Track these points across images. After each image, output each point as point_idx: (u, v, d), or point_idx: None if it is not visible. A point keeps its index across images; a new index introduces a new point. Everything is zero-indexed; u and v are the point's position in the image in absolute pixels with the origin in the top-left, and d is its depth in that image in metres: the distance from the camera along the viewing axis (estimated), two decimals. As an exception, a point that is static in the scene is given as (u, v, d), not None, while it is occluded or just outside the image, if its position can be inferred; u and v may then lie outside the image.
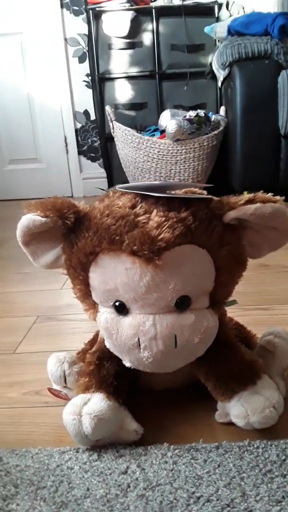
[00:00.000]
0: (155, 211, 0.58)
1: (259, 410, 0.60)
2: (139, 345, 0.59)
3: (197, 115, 2.02)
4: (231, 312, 0.74)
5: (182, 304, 0.59)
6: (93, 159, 2.70)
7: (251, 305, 1.06)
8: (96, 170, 2.71)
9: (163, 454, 0.61)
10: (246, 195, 0.59)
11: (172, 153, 2.07)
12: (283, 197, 0.59)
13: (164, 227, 0.56)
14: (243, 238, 0.62)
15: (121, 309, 0.60)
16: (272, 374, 0.68)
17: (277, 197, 0.59)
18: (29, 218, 0.60)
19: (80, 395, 0.64)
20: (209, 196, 0.62)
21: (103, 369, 0.66)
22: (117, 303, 0.60)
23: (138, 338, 0.59)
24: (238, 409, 0.62)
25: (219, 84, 2.17)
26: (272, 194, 0.59)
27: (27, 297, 1.25)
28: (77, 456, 0.62)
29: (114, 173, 2.57)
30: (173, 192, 0.63)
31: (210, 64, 2.19)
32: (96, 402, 0.61)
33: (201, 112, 2.05)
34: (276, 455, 0.59)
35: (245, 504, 0.52)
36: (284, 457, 0.59)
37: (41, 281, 1.33)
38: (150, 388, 0.72)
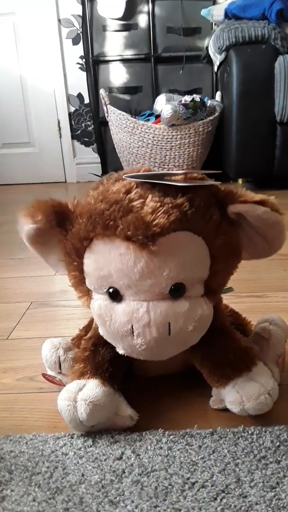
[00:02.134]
0: (150, 196, 0.57)
1: (254, 397, 0.61)
2: (133, 332, 0.58)
3: (192, 100, 2.00)
4: (225, 299, 0.74)
5: (177, 291, 0.59)
6: (86, 144, 2.67)
7: (245, 292, 1.06)
8: (89, 155, 2.68)
9: (158, 440, 0.61)
10: (258, 195, 0.58)
11: (167, 138, 2.05)
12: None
13: (159, 213, 0.56)
14: (238, 230, 0.62)
15: (115, 295, 0.60)
16: (266, 361, 0.69)
17: (282, 211, 0.59)
18: (25, 228, 0.61)
19: (75, 381, 0.63)
20: (213, 183, 0.61)
21: (98, 355, 0.65)
22: (110, 290, 0.60)
23: (132, 325, 0.58)
24: (233, 396, 0.62)
25: (215, 68, 2.15)
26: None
27: (20, 282, 1.24)
28: (72, 442, 0.62)
29: (108, 158, 2.54)
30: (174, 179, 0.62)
31: (207, 48, 2.17)
32: (91, 388, 0.61)
33: (197, 97, 2.03)
34: (271, 441, 0.59)
35: (240, 490, 0.53)
36: (278, 443, 0.59)
37: (35, 267, 1.32)
38: (145, 375, 0.72)
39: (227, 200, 0.60)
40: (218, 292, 0.66)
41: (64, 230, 0.62)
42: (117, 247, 0.57)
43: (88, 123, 2.62)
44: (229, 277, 0.65)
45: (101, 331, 0.63)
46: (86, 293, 0.64)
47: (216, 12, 2.13)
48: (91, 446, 0.61)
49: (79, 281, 0.63)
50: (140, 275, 0.57)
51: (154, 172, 0.63)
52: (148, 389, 0.72)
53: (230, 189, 0.61)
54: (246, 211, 0.58)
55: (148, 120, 2.20)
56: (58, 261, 0.66)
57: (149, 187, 0.59)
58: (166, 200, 0.57)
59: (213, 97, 2.28)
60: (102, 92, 2.19)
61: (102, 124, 2.44)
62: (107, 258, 0.58)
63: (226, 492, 0.53)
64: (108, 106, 2.15)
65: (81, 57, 2.50)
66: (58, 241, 0.64)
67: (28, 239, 0.63)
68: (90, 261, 0.60)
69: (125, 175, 0.61)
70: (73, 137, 2.66)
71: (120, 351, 0.62)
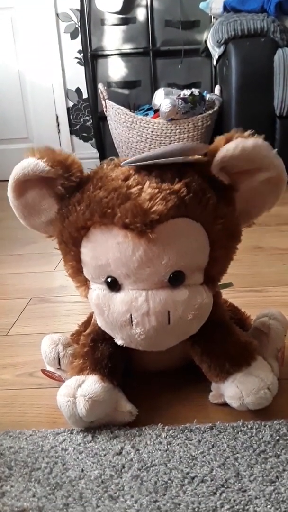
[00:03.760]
0: (147, 182, 0.56)
1: (254, 391, 0.61)
2: (131, 322, 0.58)
3: (191, 94, 1.99)
4: (225, 294, 0.74)
5: (176, 279, 0.58)
6: (85, 139, 2.66)
7: (244, 287, 1.06)
8: (88, 150, 2.66)
9: (158, 435, 0.61)
10: (223, 137, 0.57)
11: (166, 133, 2.04)
12: (263, 135, 0.57)
13: (157, 199, 0.55)
14: (239, 202, 0.61)
15: (113, 285, 0.59)
16: (266, 356, 0.68)
17: (256, 135, 0.57)
18: (31, 161, 0.57)
19: (75, 377, 0.63)
20: (204, 158, 0.59)
21: (97, 351, 0.65)
22: (109, 279, 0.59)
23: (131, 314, 0.58)
24: (233, 390, 0.62)
25: (214, 62, 2.13)
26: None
27: (19, 279, 1.24)
28: (72, 438, 0.62)
29: (107, 153, 2.53)
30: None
31: (205, 41, 2.15)
32: (91, 384, 0.61)
33: (196, 91, 2.02)
34: (270, 436, 0.60)
35: (239, 484, 0.53)
36: (277, 437, 0.59)
37: (34, 263, 1.32)
38: (144, 370, 0.72)
39: (206, 167, 0.58)
40: (217, 280, 0.65)
41: (67, 210, 0.59)
42: (114, 235, 0.57)
43: (87, 118, 2.60)
44: (229, 263, 0.64)
45: (99, 322, 0.63)
46: (84, 283, 0.63)
47: (215, 5, 2.11)
48: (90, 442, 0.61)
49: (77, 270, 0.63)
50: (139, 263, 0.56)
51: (149, 153, 0.60)
52: (148, 384, 0.72)
53: (207, 152, 0.59)
54: (222, 157, 0.56)
55: (147, 114, 2.18)
56: (41, 224, 0.63)
57: (146, 173, 0.58)
58: (164, 186, 0.56)
59: (212, 91, 2.26)
60: (100, 86, 2.18)
61: (100, 119, 2.43)
62: (104, 247, 0.58)
63: (225, 486, 0.53)
64: (106, 100, 2.13)
65: (79, 52, 2.48)
66: (49, 203, 0.62)
67: (23, 177, 0.58)
68: (87, 250, 0.60)
69: (122, 163, 0.60)
70: (71, 132, 2.64)
71: (119, 341, 0.61)
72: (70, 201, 0.59)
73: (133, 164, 0.59)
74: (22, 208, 0.63)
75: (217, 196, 0.58)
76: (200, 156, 0.60)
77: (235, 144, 0.56)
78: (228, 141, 0.56)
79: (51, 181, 0.59)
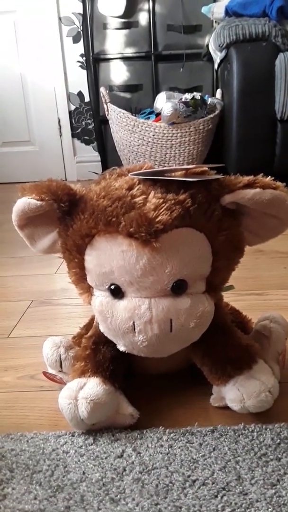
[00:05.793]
0: (152, 192, 0.57)
1: (255, 394, 0.61)
2: (134, 329, 0.58)
3: (193, 98, 1.99)
4: (226, 297, 0.74)
5: (179, 288, 0.59)
6: (87, 142, 2.67)
7: (245, 290, 1.06)
8: (90, 154, 2.67)
9: (159, 438, 0.61)
10: (246, 178, 0.58)
11: (167, 136, 2.05)
12: (284, 184, 0.58)
13: (162, 209, 0.56)
14: (241, 224, 0.61)
15: (117, 292, 0.60)
16: (267, 359, 0.69)
17: (278, 183, 0.58)
18: (24, 202, 0.59)
19: (76, 379, 0.64)
20: (217, 177, 0.60)
21: (99, 353, 0.65)
22: (112, 287, 0.60)
23: (133, 322, 0.58)
24: (234, 393, 0.62)
25: (216, 66, 2.14)
26: (273, 178, 0.58)
27: (21, 281, 1.24)
28: (73, 440, 0.62)
29: (109, 156, 2.54)
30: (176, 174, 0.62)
31: (207, 45, 2.16)
32: (92, 387, 0.61)
33: (197, 95, 2.03)
34: (271, 439, 0.60)
35: (240, 487, 0.53)
36: (278, 440, 0.59)
37: (35, 266, 1.32)
38: (146, 373, 0.72)
39: (218, 193, 0.59)
40: (219, 289, 0.65)
41: (71, 219, 0.60)
42: (119, 243, 0.57)
43: (89, 121, 2.61)
44: (231, 273, 0.65)
45: (102, 328, 0.63)
46: (87, 290, 0.64)
47: (217, 10, 2.12)
48: (92, 444, 0.61)
49: (80, 277, 0.63)
50: (142, 272, 0.57)
51: (157, 169, 0.63)
52: (149, 387, 0.72)
53: (219, 180, 0.60)
54: (237, 199, 0.58)
55: (149, 118, 2.19)
56: (49, 247, 0.65)
57: (151, 184, 0.59)
58: (169, 197, 0.57)
59: (213, 95, 2.27)
60: (102, 90, 2.19)
61: (102, 123, 2.43)
62: (108, 255, 0.58)
63: (226, 489, 0.53)
64: (108, 104, 2.14)
65: (81, 55, 2.49)
66: (52, 227, 0.62)
67: (23, 216, 0.60)
68: (91, 258, 0.60)
69: (130, 173, 0.61)
70: (73, 136, 2.65)
71: (121, 348, 0.62)
72: (74, 211, 0.60)
73: (141, 177, 0.59)
74: (29, 236, 0.65)
75: (222, 208, 0.59)
76: (211, 175, 0.61)
77: (254, 193, 0.56)
78: (249, 185, 0.57)
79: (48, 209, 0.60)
